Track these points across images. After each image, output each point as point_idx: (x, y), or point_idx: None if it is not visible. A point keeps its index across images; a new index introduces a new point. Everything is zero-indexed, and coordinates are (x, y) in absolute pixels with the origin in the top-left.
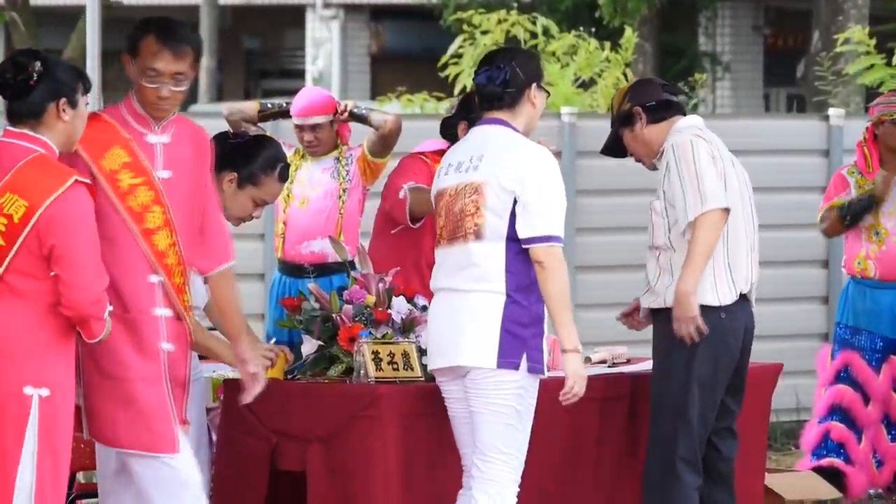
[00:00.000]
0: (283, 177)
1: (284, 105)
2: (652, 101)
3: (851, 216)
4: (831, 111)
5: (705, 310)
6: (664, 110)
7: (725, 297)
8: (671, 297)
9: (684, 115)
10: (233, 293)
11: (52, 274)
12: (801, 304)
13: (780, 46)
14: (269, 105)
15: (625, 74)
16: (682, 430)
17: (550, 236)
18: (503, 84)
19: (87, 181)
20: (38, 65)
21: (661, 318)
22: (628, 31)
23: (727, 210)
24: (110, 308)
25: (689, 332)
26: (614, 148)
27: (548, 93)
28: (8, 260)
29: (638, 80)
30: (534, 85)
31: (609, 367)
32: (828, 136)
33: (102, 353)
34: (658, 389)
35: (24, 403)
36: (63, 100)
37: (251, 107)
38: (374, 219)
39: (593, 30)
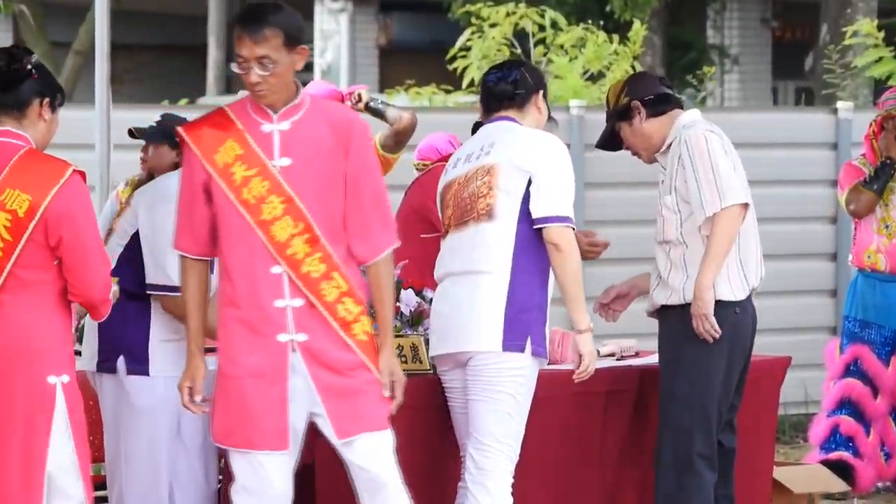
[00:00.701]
0: None
1: None
2: (650, 94)
3: (879, 186)
4: (839, 104)
5: (721, 304)
6: (663, 104)
7: (739, 292)
8: (689, 293)
9: (682, 108)
10: (387, 284)
11: (56, 262)
12: (809, 297)
13: (788, 39)
14: None
15: (633, 67)
16: (700, 425)
17: (566, 217)
18: (514, 84)
19: (83, 170)
20: (34, 58)
21: (674, 313)
22: (637, 24)
23: (746, 205)
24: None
25: (705, 330)
26: (609, 142)
27: (548, 108)
28: (16, 254)
29: (633, 74)
30: (540, 92)
31: (617, 360)
32: (836, 129)
33: (221, 353)
34: (669, 384)
35: (49, 392)
36: (47, 99)
37: None
38: (397, 219)
39: (601, 22)
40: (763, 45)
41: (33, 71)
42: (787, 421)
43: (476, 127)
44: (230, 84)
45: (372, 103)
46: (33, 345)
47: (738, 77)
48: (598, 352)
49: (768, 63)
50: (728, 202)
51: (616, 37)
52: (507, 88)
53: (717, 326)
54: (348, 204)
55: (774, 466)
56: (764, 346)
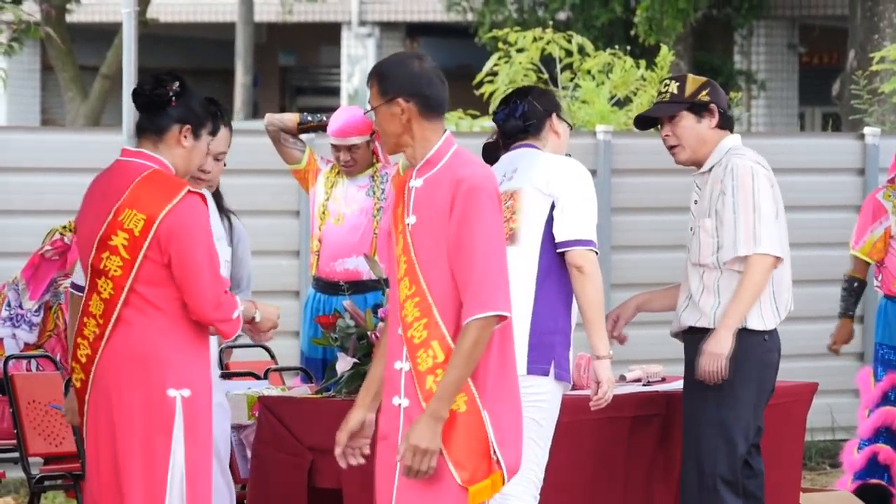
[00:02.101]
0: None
1: (324, 119)
2: (725, 108)
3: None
4: (867, 130)
5: (750, 333)
6: (727, 121)
7: (770, 322)
8: (719, 318)
9: (732, 132)
10: (461, 351)
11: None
12: (836, 322)
13: (815, 65)
14: (309, 118)
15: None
16: (724, 450)
17: (589, 240)
18: (523, 117)
19: (200, 191)
20: (176, 85)
21: (702, 335)
22: (664, 49)
23: (779, 258)
24: (241, 309)
25: (711, 370)
26: (647, 120)
27: (570, 125)
28: (134, 271)
29: (712, 80)
30: (554, 115)
31: (644, 385)
32: (863, 154)
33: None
34: (695, 407)
35: (169, 405)
36: (188, 126)
37: (291, 118)
38: None
39: (628, 48)
40: (790, 70)
41: (174, 98)
42: (813, 447)
43: (485, 148)
44: (257, 109)
45: None
46: (154, 358)
47: (765, 102)
48: (625, 377)
49: (795, 89)
50: (762, 249)
51: (643, 62)
52: (518, 124)
53: (726, 373)
54: (451, 265)
55: (801, 493)
56: (790, 372)
